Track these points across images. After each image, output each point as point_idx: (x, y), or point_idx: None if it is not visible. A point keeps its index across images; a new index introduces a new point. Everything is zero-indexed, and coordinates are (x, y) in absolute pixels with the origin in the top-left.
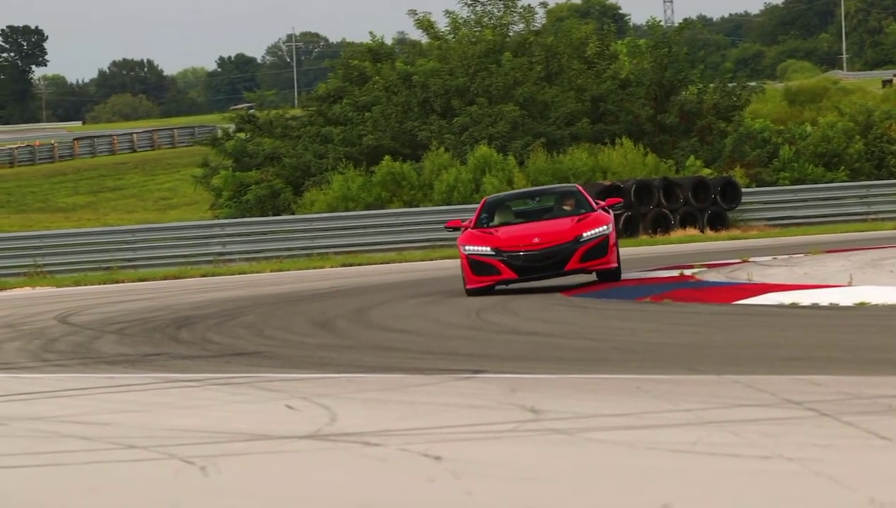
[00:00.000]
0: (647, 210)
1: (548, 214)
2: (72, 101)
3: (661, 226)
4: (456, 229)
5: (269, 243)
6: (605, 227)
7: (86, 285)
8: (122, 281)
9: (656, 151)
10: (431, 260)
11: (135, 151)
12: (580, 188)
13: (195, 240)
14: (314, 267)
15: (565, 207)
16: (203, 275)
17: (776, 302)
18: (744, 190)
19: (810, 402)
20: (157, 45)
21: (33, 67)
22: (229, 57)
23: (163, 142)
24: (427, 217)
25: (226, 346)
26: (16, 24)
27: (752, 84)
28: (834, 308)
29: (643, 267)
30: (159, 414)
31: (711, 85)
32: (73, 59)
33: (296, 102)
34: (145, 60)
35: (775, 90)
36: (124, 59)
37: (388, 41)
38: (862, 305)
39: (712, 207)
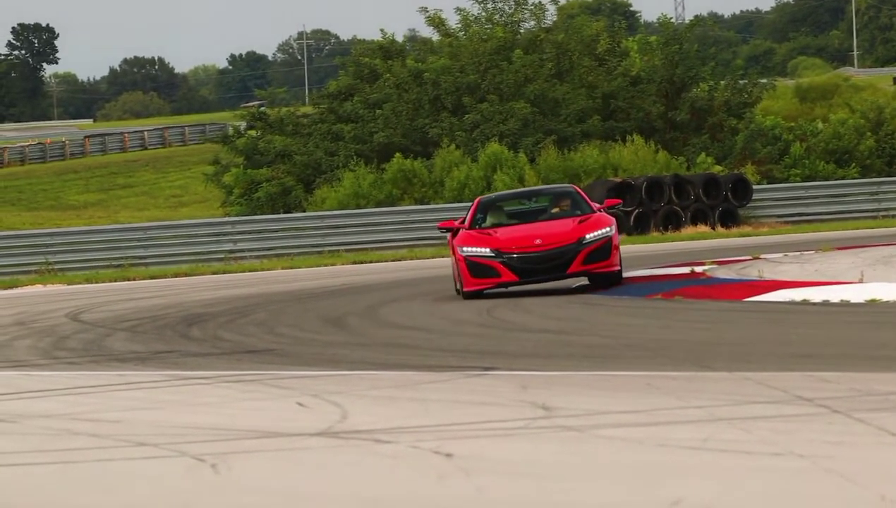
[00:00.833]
0: (658, 207)
1: (545, 215)
2: (83, 99)
3: (672, 222)
4: (449, 230)
5: (281, 240)
6: (607, 229)
7: (97, 283)
8: (134, 279)
9: (667, 148)
10: (443, 257)
11: (146, 149)
12: (577, 189)
13: (206, 238)
14: (325, 265)
15: (563, 208)
16: (214, 273)
17: (787, 299)
18: (755, 187)
19: (821, 399)
20: (169, 43)
21: (44, 65)
22: (240, 54)
23: (174, 139)
24: (438, 214)
25: (237, 344)
26: (27, 22)
27: (763, 81)
28: (845, 304)
29: (654, 264)
30: (170, 412)
31: (722, 82)
32: (84, 57)
33: (307, 100)
34: (156, 58)
35: (786, 87)
36: (135, 57)
37: (399, 38)
38: (873, 302)
39: (723, 204)
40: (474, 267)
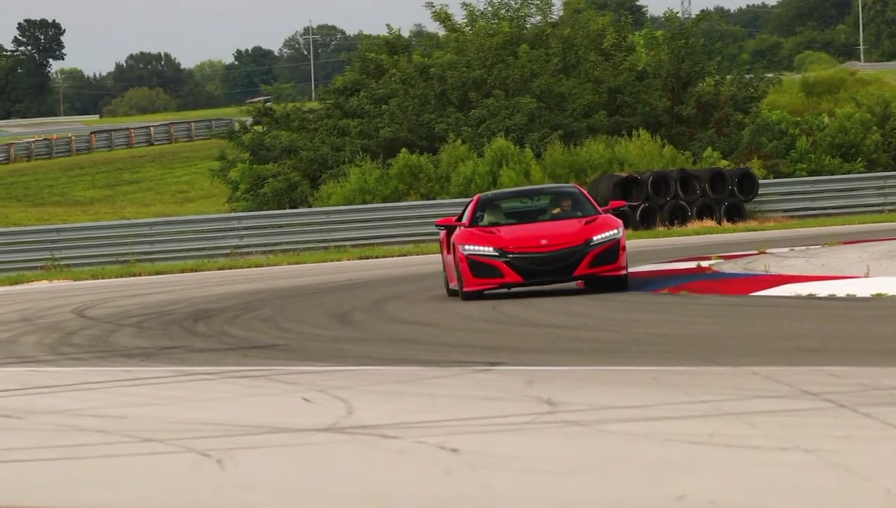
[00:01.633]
0: (665, 201)
1: (546, 215)
2: (89, 95)
3: (678, 217)
4: (447, 227)
5: (286, 236)
6: (615, 231)
7: (103, 278)
8: (140, 275)
9: (673, 143)
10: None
11: (152, 144)
12: (580, 188)
13: (212, 234)
14: (331, 260)
15: (565, 208)
16: (220, 268)
17: (793, 294)
18: (761, 181)
19: (827, 394)
20: (175, 38)
21: (50, 61)
22: (246, 50)
23: (180, 135)
24: (444, 209)
25: (243, 339)
26: (33, 18)
27: (770, 75)
28: (851, 299)
29: (660, 259)
30: (176, 408)
31: (729, 76)
32: (90, 53)
33: (313, 95)
34: (162, 53)
35: (792, 81)
36: (141, 53)
37: (406, 33)
38: (879, 296)
39: (729, 199)
40: (476, 266)
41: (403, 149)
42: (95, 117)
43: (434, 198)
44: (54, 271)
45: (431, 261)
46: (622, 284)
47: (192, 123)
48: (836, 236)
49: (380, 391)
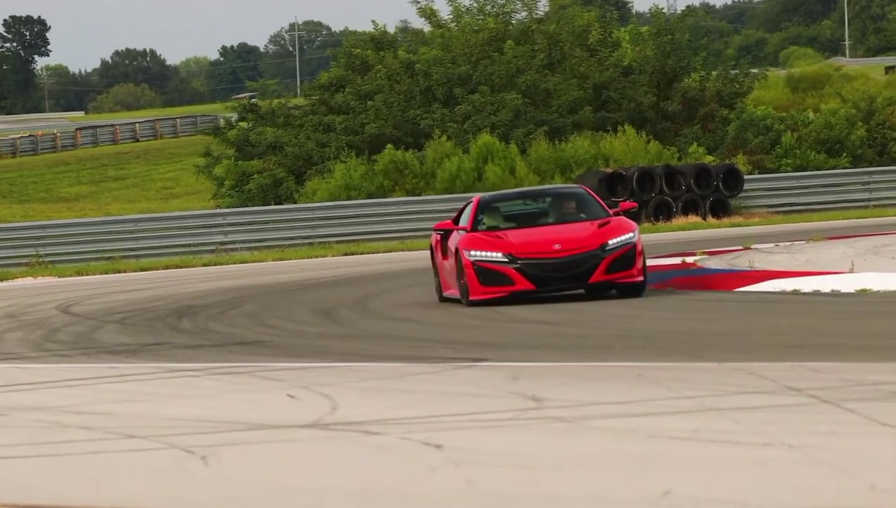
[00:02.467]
0: (650, 197)
1: (552, 218)
2: (74, 91)
3: (663, 213)
4: (444, 232)
5: (271, 232)
6: (631, 235)
7: (88, 275)
8: (124, 271)
9: (659, 139)
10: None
11: (137, 141)
12: (588, 189)
13: (197, 230)
14: (316, 257)
15: (572, 210)
16: (205, 265)
17: (778, 289)
18: (746, 177)
19: (811, 389)
20: (160, 35)
21: (36, 57)
22: (232, 46)
23: (165, 131)
24: (429, 205)
25: (227, 336)
26: (18, 14)
27: (755, 71)
28: (835, 294)
29: (645, 255)
30: (160, 404)
31: (714, 72)
32: (75, 49)
33: (298, 91)
34: (148, 50)
35: (778, 77)
36: (127, 49)
37: (391, 29)
38: (863, 292)
39: (714, 194)
40: (484, 273)
41: (389, 146)
42: (81, 114)
43: (419, 195)
44: (39, 268)
45: (417, 258)
46: (639, 291)
47: (178, 120)
48: (821, 232)
49: (364, 387)
